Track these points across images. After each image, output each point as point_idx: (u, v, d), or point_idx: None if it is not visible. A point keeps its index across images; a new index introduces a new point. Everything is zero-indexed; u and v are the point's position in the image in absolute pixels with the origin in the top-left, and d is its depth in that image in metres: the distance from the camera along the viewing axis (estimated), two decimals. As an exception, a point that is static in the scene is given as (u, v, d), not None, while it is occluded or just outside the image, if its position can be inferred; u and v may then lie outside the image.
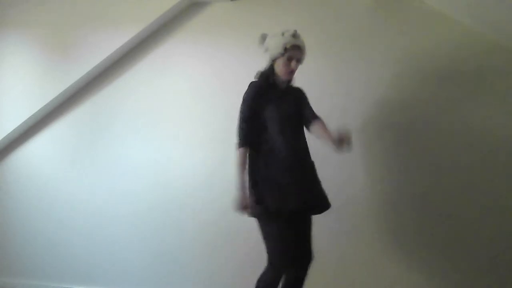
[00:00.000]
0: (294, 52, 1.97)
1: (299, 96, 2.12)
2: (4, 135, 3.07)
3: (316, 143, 2.06)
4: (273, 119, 1.98)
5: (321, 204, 1.99)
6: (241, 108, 2.00)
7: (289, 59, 1.97)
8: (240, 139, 1.96)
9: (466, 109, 2.35)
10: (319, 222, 2.05)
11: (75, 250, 3.00)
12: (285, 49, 1.96)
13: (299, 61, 2.01)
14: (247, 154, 1.96)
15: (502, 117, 2.30)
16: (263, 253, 1.92)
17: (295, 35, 1.99)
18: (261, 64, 2.05)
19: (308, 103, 2.12)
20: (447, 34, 2.40)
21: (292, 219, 1.93)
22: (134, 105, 2.95)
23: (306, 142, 2.06)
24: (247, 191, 1.90)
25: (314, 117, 2.06)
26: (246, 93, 2.02)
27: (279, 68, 2.00)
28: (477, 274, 2.27)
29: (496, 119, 2.31)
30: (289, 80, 2.08)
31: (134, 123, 2.95)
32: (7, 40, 3.12)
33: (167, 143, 2.87)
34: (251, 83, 2.05)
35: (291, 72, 2.01)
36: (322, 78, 2.56)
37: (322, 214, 1.99)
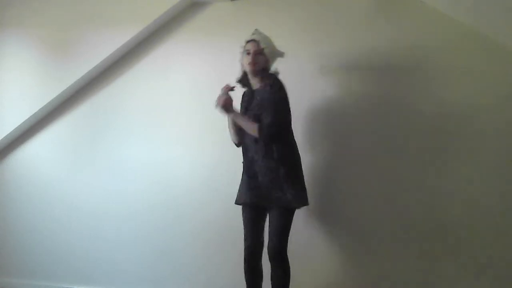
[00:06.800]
0: (248, 45, 2.20)
1: (263, 97, 2.18)
2: (4, 135, 3.07)
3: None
4: None
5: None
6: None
7: (247, 53, 2.19)
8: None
9: (466, 109, 2.35)
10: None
11: (75, 250, 3.00)
12: (244, 46, 2.22)
13: (256, 53, 2.16)
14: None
15: (502, 117, 2.29)
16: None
17: (253, 32, 2.22)
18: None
19: (267, 106, 2.14)
20: (447, 33, 2.39)
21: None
22: (134, 105, 2.95)
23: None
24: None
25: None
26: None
27: (245, 65, 2.22)
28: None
29: (495, 119, 2.30)
30: (256, 74, 2.20)
31: (134, 123, 2.95)
32: (7, 40, 3.12)
33: (167, 143, 2.86)
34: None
35: (250, 64, 2.17)
36: (320, 77, 2.56)
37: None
